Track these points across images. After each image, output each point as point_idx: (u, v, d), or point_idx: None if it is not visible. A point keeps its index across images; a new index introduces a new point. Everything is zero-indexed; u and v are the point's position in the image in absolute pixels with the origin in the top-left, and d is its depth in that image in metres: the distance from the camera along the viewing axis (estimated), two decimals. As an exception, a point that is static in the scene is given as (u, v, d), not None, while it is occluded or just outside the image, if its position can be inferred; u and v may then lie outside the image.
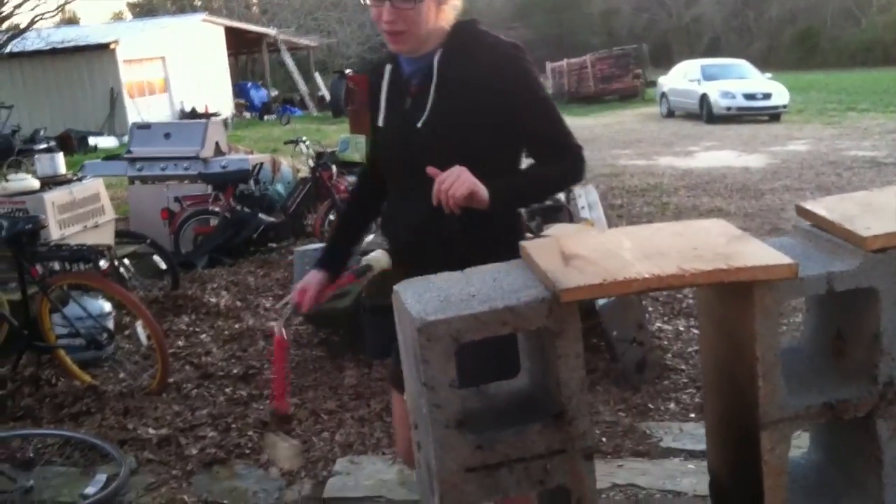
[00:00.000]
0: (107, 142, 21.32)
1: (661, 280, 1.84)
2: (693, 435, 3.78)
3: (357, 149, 9.47)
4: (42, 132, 20.37)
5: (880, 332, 2.01)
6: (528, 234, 5.54)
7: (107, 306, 5.28)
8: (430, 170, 2.06)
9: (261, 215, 8.10)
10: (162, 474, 3.81)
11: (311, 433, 4.10)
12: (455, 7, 2.24)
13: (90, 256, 4.96)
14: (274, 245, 8.16)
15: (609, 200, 10.14)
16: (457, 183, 2.01)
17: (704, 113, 20.90)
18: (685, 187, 11.18)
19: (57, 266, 5.17)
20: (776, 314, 1.96)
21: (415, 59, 2.25)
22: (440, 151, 2.14)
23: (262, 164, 9.13)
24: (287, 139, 10.09)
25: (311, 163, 8.75)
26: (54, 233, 5.90)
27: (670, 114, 23.06)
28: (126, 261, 6.23)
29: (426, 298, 1.86)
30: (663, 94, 23.72)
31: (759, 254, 1.92)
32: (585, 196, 8.05)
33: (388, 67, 2.32)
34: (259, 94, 32.46)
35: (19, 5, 18.54)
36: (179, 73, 27.03)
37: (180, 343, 5.55)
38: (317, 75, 33.48)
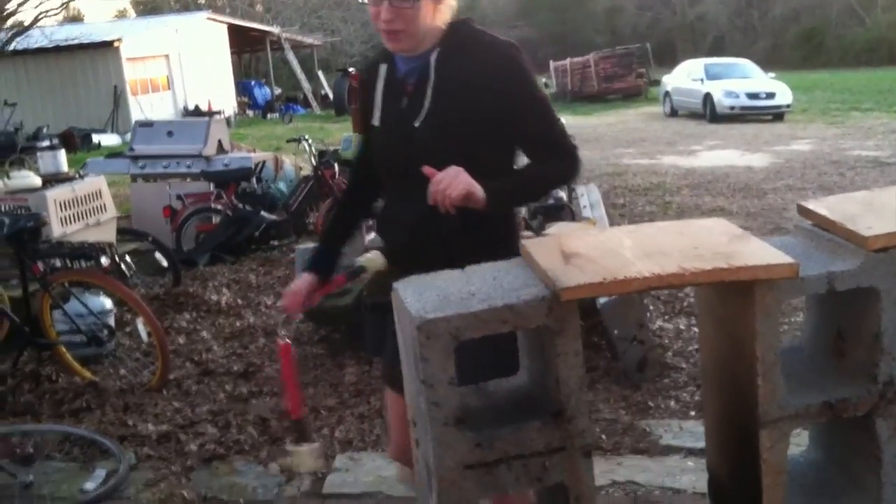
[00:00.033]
0: (110, 139, 21.33)
1: (662, 279, 1.83)
2: (693, 433, 3.78)
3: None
4: (45, 130, 20.36)
5: (881, 332, 2.01)
6: (530, 233, 5.56)
7: (108, 303, 5.28)
8: (427, 169, 2.06)
9: (263, 213, 8.10)
10: (161, 470, 3.81)
11: (310, 430, 4.10)
12: (451, 6, 2.23)
13: (91, 254, 4.97)
14: (276, 243, 8.17)
15: (611, 199, 10.13)
16: (453, 183, 2.01)
17: (708, 112, 20.88)
18: (688, 186, 11.17)
19: (58, 263, 5.18)
20: (777, 313, 1.95)
21: (411, 58, 2.24)
22: (437, 151, 2.13)
23: (264, 162, 9.14)
24: (290, 137, 10.10)
25: (313, 161, 8.75)
26: (56, 230, 5.91)
27: (673, 113, 23.04)
28: (128, 258, 6.23)
29: (426, 296, 1.86)
30: (667, 94, 23.69)
31: (760, 253, 1.92)
32: (588, 195, 8.05)
33: (384, 67, 2.31)
34: (262, 93, 32.48)
35: (23, 2, 18.60)
36: (183, 71, 27.04)
37: (181, 340, 5.55)
38: (320, 73, 33.50)
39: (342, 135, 11.04)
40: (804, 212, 2.24)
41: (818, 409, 2.02)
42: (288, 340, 2.36)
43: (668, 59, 34.68)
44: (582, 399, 1.87)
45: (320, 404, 4.37)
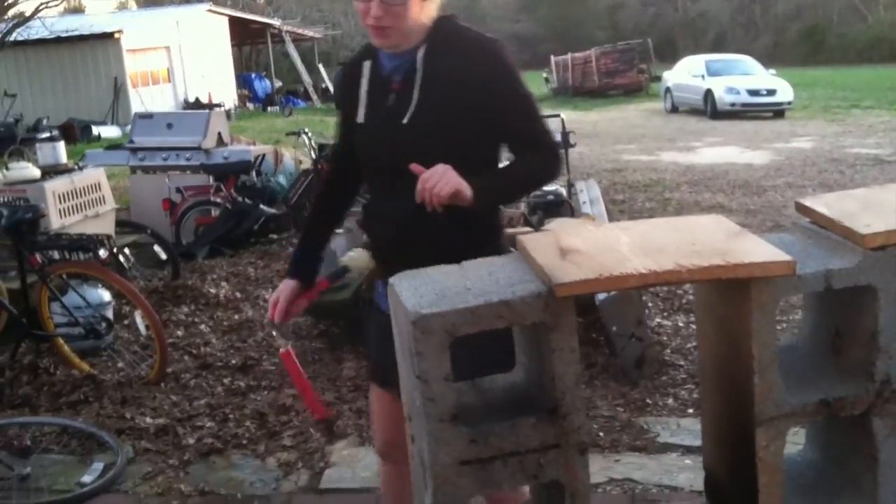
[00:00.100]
0: (110, 131, 21.30)
1: (658, 276, 1.83)
2: (690, 430, 3.78)
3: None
4: (45, 121, 20.39)
5: (878, 331, 2.00)
6: (529, 228, 5.56)
7: (106, 296, 5.28)
8: (414, 167, 2.05)
9: (262, 206, 8.10)
10: (159, 464, 3.82)
11: (308, 424, 4.10)
12: (437, 2, 2.22)
13: (90, 246, 4.96)
14: (275, 236, 8.16)
15: (611, 195, 10.13)
16: (441, 181, 2.00)
17: (708, 108, 20.87)
18: (687, 183, 11.17)
19: (56, 255, 5.17)
20: (773, 311, 1.94)
21: (397, 54, 2.22)
22: (426, 148, 2.13)
23: (264, 155, 9.13)
24: (289, 131, 10.08)
25: (313, 154, 8.74)
26: (54, 222, 5.91)
27: (674, 109, 23.03)
28: (126, 250, 6.23)
29: (421, 291, 1.85)
30: (667, 90, 23.68)
31: (757, 250, 1.91)
32: (587, 191, 8.04)
33: (367, 63, 2.29)
34: (263, 85, 32.44)
35: (24, -7, 18.56)
36: (183, 64, 27.01)
37: (179, 333, 5.55)
38: (321, 67, 33.46)
39: (342, 129, 11.00)
40: (802, 209, 2.23)
41: (815, 408, 2.02)
42: (287, 347, 2.35)
43: (670, 55, 34.65)
44: (577, 396, 1.86)
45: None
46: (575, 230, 2.09)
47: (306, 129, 9.19)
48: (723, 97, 20.48)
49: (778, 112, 20.29)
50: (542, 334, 1.87)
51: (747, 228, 2.08)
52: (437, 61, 2.18)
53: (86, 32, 23.83)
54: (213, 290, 6.40)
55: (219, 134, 9.04)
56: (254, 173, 8.62)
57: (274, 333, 2.56)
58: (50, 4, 20.36)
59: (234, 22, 30.95)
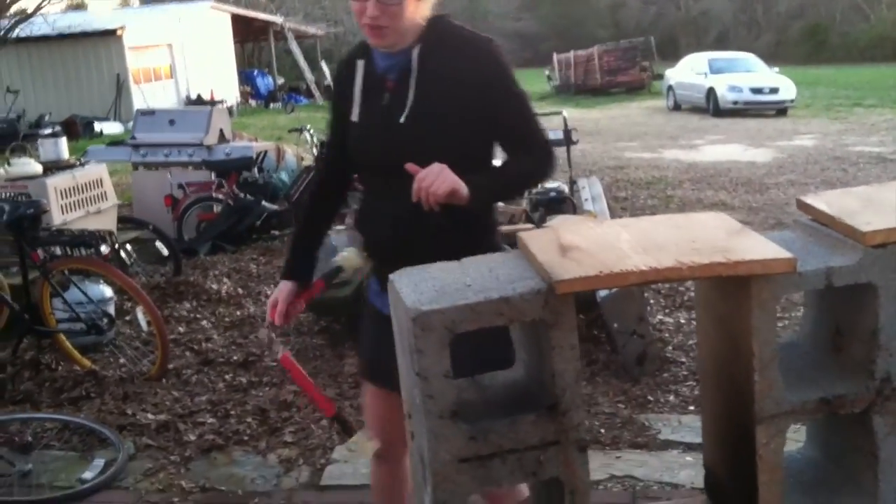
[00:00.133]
0: (112, 127, 21.32)
1: (659, 273, 1.83)
2: (692, 427, 3.78)
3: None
4: (47, 117, 20.39)
5: (878, 328, 2.00)
6: (531, 225, 5.55)
7: (108, 291, 5.28)
8: (410, 167, 2.05)
9: (264, 203, 8.10)
10: (160, 460, 3.82)
11: (309, 420, 4.11)
12: (431, 2, 2.23)
13: (91, 241, 4.97)
14: (276, 233, 8.16)
15: (613, 193, 10.12)
16: (437, 181, 2.01)
17: (711, 106, 20.84)
18: (690, 181, 11.16)
19: (58, 251, 5.17)
20: (774, 309, 1.94)
21: (391, 53, 2.22)
22: (422, 147, 2.13)
23: (266, 151, 9.12)
24: (291, 127, 10.07)
25: (315, 151, 8.73)
26: (56, 218, 5.91)
27: (677, 107, 22.99)
28: (128, 246, 6.24)
29: (421, 288, 1.85)
30: (670, 88, 23.64)
31: (758, 248, 1.91)
32: (589, 188, 8.03)
33: (361, 62, 2.29)
34: (265, 82, 32.42)
35: (27, -10, 18.53)
36: (186, 60, 27.00)
37: (181, 329, 5.55)
38: (323, 64, 33.40)
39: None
40: (803, 206, 2.23)
41: (815, 406, 2.02)
42: (285, 352, 2.34)
43: (672, 53, 34.60)
44: (577, 393, 1.86)
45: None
46: (575, 227, 2.09)
47: (308, 126, 9.19)
48: (725, 95, 20.45)
49: (781, 110, 20.26)
50: (542, 331, 1.87)
51: (749, 226, 2.09)
52: (432, 61, 2.18)
53: (88, 29, 23.83)
54: (214, 287, 6.40)
55: (221, 130, 9.04)
56: (256, 170, 8.62)
57: (273, 336, 2.55)
58: (52, 1, 20.34)
59: (236, 19, 30.92)
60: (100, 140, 17.05)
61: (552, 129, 8.82)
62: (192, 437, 4.00)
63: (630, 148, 15.03)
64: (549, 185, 6.98)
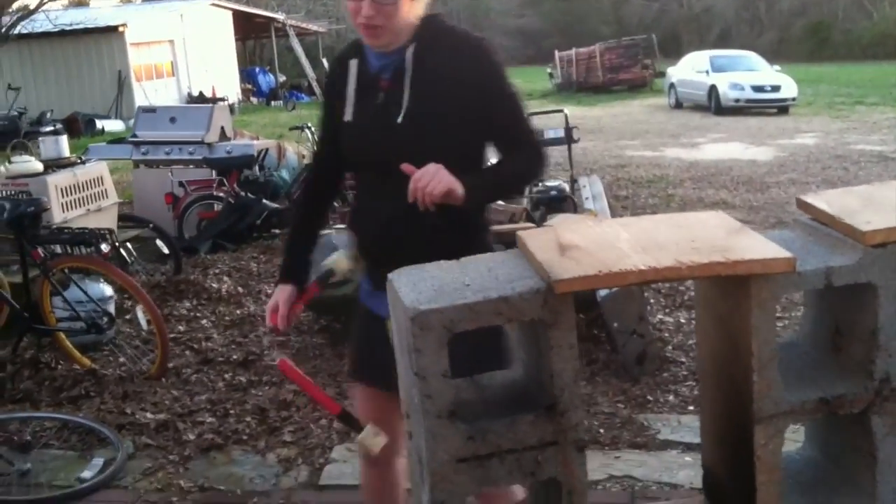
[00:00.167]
0: (114, 125, 21.33)
1: (658, 272, 1.82)
2: (691, 427, 3.77)
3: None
4: (49, 114, 20.39)
5: (878, 328, 1.99)
6: (532, 224, 5.54)
7: (108, 290, 5.28)
8: (406, 167, 2.05)
9: (265, 201, 8.09)
10: (159, 459, 3.81)
11: (308, 420, 4.10)
12: (424, 1, 2.23)
13: (92, 240, 4.96)
14: (277, 231, 8.14)
15: (614, 191, 10.12)
16: (434, 181, 2.01)
17: (713, 104, 20.83)
18: (691, 179, 11.15)
19: (59, 249, 5.17)
20: (773, 308, 1.94)
21: (385, 53, 2.22)
22: (419, 146, 2.13)
23: (267, 149, 9.11)
24: (293, 125, 10.06)
25: (316, 149, 8.71)
26: (57, 216, 5.91)
27: (678, 105, 22.97)
28: (128, 245, 6.23)
29: (420, 287, 1.84)
30: (671, 85, 23.62)
31: (758, 247, 1.90)
32: (590, 187, 8.02)
33: (354, 62, 2.29)
34: (266, 80, 32.43)
35: (28, -13, 18.54)
36: (187, 57, 27.01)
37: (181, 328, 5.54)
38: (325, 61, 33.32)
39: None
40: (803, 206, 2.22)
41: (814, 406, 2.01)
42: (282, 357, 2.34)
43: (674, 51, 34.56)
44: (576, 393, 1.86)
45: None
46: (575, 226, 2.08)
47: (309, 124, 9.17)
48: (727, 93, 20.44)
49: (782, 108, 20.25)
50: (541, 331, 1.86)
51: (750, 225, 2.08)
52: (426, 60, 2.18)
53: (90, 26, 23.82)
54: (215, 285, 6.40)
55: (222, 128, 9.03)
56: (257, 168, 8.61)
57: (274, 340, 2.55)
58: (54, -2, 20.34)
59: (238, 16, 30.92)
60: (101, 137, 17.06)
61: (553, 127, 8.84)
62: (192, 437, 4.00)
63: (631, 146, 15.02)
64: (550, 183, 6.98)
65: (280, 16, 32.87)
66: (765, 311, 1.92)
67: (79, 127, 20.17)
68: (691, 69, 22.78)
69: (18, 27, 18.03)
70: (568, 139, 8.34)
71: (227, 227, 7.88)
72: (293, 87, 31.72)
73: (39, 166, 6.24)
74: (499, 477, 1.87)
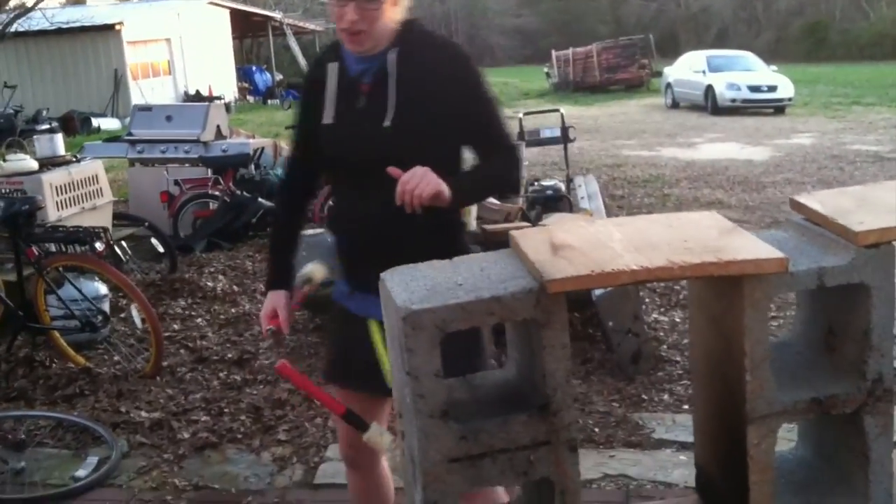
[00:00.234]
0: (110, 123, 21.29)
1: (650, 272, 1.82)
2: (686, 426, 3.77)
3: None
4: (45, 112, 20.35)
5: (870, 328, 1.99)
6: (527, 224, 5.54)
7: (102, 289, 5.27)
8: (392, 170, 2.06)
9: (260, 200, 8.07)
10: (154, 458, 3.81)
11: (303, 419, 4.10)
12: (405, 6, 2.25)
13: (86, 238, 4.95)
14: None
15: (610, 191, 10.12)
16: (422, 183, 2.02)
17: (709, 104, 20.84)
18: (687, 179, 11.15)
19: (53, 247, 5.16)
20: (766, 308, 1.94)
21: (365, 57, 2.24)
22: (405, 150, 2.15)
23: (263, 148, 9.10)
24: (289, 124, 10.01)
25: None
26: (52, 214, 5.89)
27: (675, 105, 22.98)
28: (123, 243, 6.22)
29: (412, 287, 1.84)
30: (668, 85, 23.64)
31: (750, 247, 1.91)
32: (586, 186, 8.04)
33: (334, 66, 2.30)
34: (263, 78, 32.39)
35: (25, -16, 18.49)
36: (184, 56, 26.98)
37: (176, 326, 5.54)
38: (322, 60, 33.35)
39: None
40: (797, 206, 2.22)
41: (806, 406, 2.01)
42: (282, 361, 2.35)
43: (671, 51, 34.58)
44: (568, 392, 1.86)
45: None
46: (568, 226, 2.08)
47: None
48: (723, 93, 20.45)
49: (779, 108, 20.27)
50: (534, 331, 1.86)
51: (746, 225, 2.08)
52: (409, 65, 2.21)
53: (87, 24, 23.77)
54: (210, 284, 6.39)
55: (218, 127, 9.01)
56: (252, 166, 8.60)
57: (272, 350, 2.54)
58: (51, -4, 20.29)
59: (235, 14, 30.88)
60: (97, 136, 17.04)
61: (550, 126, 8.84)
62: (186, 435, 3.99)
63: (628, 146, 15.02)
64: (546, 182, 6.98)
65: (277, 14, 32.88)
66: (757, 311, 1.92)
67: (75, 125, 20.14)
68: (688, 69, 22.79)
69: (15, 25, 17.99)
70: (564, 138, 8.34)
71: (222, 225, 7.87)
72: (290, 86, 31.62)
73: (34, 164, 6.23)
74: (491, 477, 1.86)
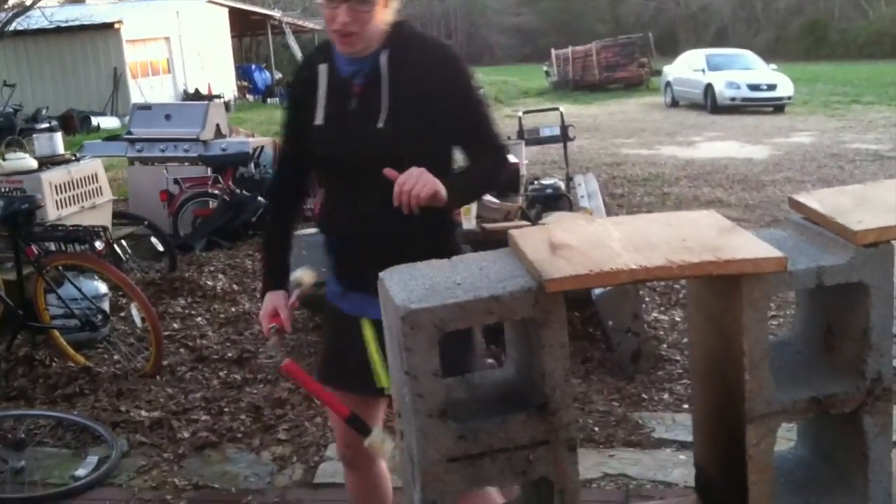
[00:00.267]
0: (109, 122, 21.27)
1: (649, 271, 1.82)
2: (685, 426, 3.77)
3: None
4: (44, 111, 20.34)
5: (869, 328, 2.00)
6: (527, 223, 5.54)
7: (102, 287, 5.27)
8: (388, 171, 2.06)
9: (260, 198, 8.05)
10: (153, 457, 3.81)
11: (303, 418, 4.10)
12: (395, 8, 2.25)
13: (86, 237, 4.96)
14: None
15: (610, 189, 10.12)
16: (418, 184, 2.02)
17: (709, 103, 20.85)
18: (686, 177, 11.15)
19: (53, 246, 5.16)
20: (765, 308, 1.94)
21: (356, 59, 2.24)
22: (400, 151, 2.15)
23: (262, 147, 9.09)
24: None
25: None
26: (51, 213, 5.89)
27: (674, 103, 22.98)
28: (123, 242, 6.22)
29: (411, 286, 1.84)
30: (668, 84, 23.64)
31: (749, 246, 1.91)
32: (585, 185, 8.04)
33: (324, 67, 2.30)
34: (262, 77, 32.37)
35: (24, -17, 18.47)
36: (183, 54, 26.95)
37: (175, 325, 5.54)
38: (321, 59, 33.31)
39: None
40: (796, 205, 2.22)
41: (805, 405, 2.01)
42: (288, 360, 2.35)
43: (671, 50, 34.59)
44: (567, 392, 1.86)
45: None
46: (567, 225, 2.08)
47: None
48: (723, 92, 20.46)
49: (778, 107, 20.27)
50: (532, 330, 1.86)
51: (745, 223, 2.09)
52: (400, 66, 2.21)
53: (86, 22, 23.74)
54: (210, 283, 6.39)
55: (217, 125, 9.01)
56: (252, 165, 8.59)
57: (273, 349, 2.53)
58: (50, -6, 20.27)
59: (234, 13, 30.84)
60: (97, 135, 17.02)
61: (549, 125, 8.85)
62: (186, 435, 3.99)
63: (627, 144, 15.02)
64: (546, 181, 6.99)
65: (276, 13, 32.84)
66: (756, 311, 1.92)
67: (74, 124, 20.12)
68: (688, 68, 22.80)
69: (14, 24, 17.99)
70: (564, 137, 8.35)
71: (222, 224, 7.86)
72: (289, 85, 31.63)
73: (34, 163, 6.22)
74: (490, 476, 1.87)
